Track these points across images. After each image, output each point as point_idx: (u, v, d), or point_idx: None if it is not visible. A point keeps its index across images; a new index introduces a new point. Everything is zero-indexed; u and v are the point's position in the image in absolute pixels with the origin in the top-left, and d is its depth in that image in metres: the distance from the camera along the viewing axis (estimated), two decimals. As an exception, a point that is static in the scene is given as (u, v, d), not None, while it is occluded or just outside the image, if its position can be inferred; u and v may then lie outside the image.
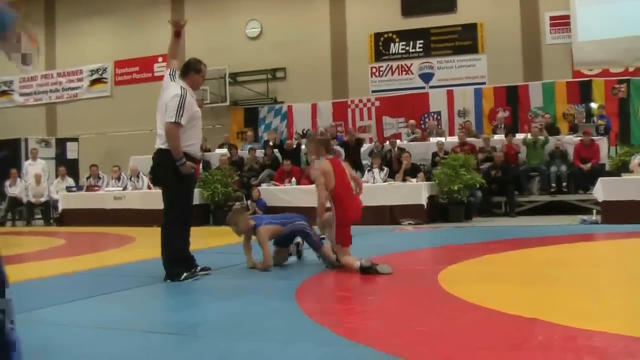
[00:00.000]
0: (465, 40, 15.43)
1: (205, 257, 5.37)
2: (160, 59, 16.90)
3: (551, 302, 3.57)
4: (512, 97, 14.04)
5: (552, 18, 15.11)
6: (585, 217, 9.35)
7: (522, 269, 4.95)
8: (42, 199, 13.37)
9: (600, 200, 9.06)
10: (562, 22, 14.95)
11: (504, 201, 11.07)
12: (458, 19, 15.59)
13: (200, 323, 3.38)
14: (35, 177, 13.44)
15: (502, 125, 13.00)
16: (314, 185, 5.41)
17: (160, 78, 5.17)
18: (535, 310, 3.23)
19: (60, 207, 12.60)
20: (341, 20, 16.41)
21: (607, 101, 13.10)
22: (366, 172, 11.30)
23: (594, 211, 9.57)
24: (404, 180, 10.74)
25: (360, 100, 15.63)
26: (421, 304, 3.70)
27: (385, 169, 11.15)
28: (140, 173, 12.76)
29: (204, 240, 7.10)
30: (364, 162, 12.04)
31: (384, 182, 10.81)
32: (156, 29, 16.50)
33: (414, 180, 10.55)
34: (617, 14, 14.20)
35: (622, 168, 10.34)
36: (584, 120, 12.37)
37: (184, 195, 4.90)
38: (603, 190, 8.98)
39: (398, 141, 12.68)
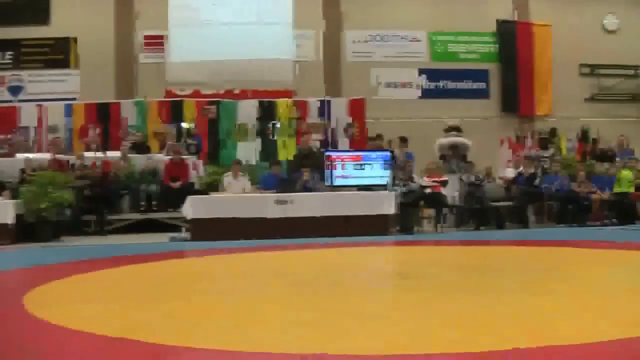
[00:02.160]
0: (57, 54, 15.23)
1: None
2: None
3: (136, 322, 3.71)
4: (103, 114, 14.20)
5: (147, 37, 16.02)
6: (175, 234, 10.13)
7: (113, 288, 5.13)
8: None
9: (189, 217, 9.82)
10: (156, 42, 15.96)
11: (94, 219, 11.16)
12: (51, 32, 15.29)
13: None
14: None
15: (94, 143, 13.09)
16: None
17: None
18: (124, 330, 3.37)
19: None
20: None
21: (198, 121, 14.23)
22: None
23: (183, 228, 10.29)
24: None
25: None
26: (1, 327, 3.59)
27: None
28: None
29: None
30: None
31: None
32: None
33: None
34: (209, 38, 15.81)
35: (211, 187, 11.44)
36: (175, 140, 13.24)
37: None
38: (192, 208, 9.78)
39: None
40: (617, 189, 11.42)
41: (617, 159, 12.54)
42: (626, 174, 11.55)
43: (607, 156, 12.67)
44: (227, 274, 6.18)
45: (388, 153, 10.96)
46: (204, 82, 15.90)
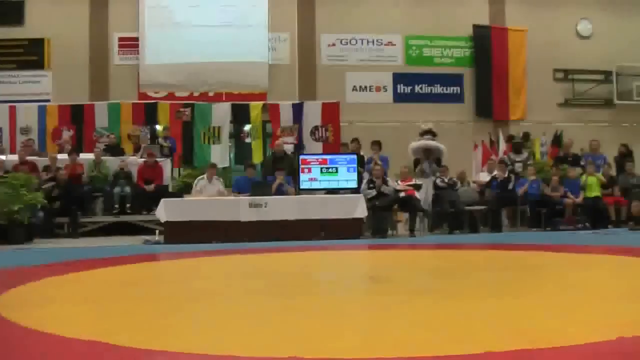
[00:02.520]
0: (31, 55, 15.22)
1: None
2: None
3: (108, 325, 3.76)
4: (77, 115, 14.13)
5: (120, 39, 15.99)
6: (148, 237, 10.17)
7: (87, 290, 5.18)
8: None
9: (162, 220, 9.90)
10: (130, 44, 15.94)
11: (67, 222, 11.13)
12: (25, 33, 15.29)
13: None
14: None
15: (67, 145, 13.05)
16: None
17: None
18: (96, 333, 3.38)
19: None
20: None
21: (172, 124, 14.19)
22: None
23: (157, 231, 10.35)
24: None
25: None
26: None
27: None
28: None
29: None
30: None
31: None
32: None
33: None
34: (183, 40, 15.81)
35: (185, 189, 11.49)
36: (149, 142, 13.26)
37: None
38: (166, 211, 9.87)
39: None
40: (588, 194, 11.68)
41: (582, 162, 12.80)
42: (592, 179, 11.80)
43: (573, 160, 12.92)
44: (199, 276, 6.23)
45: (354, 156, 11.13)
46: (179, 85, 15.93)
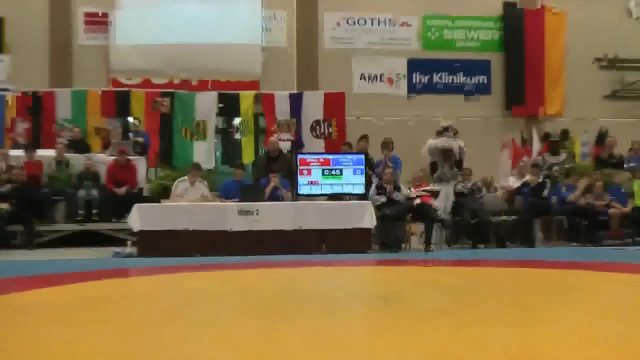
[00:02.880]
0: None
1: None
2: None
3: (57, 349, 3.77)
4: (35, 105, 14.13)
5: (87, 15, 16.01)
6: (119, 249, 10.15)
7: (35, 313, 5.07)
8: None
9: (136, 229, 9.90)
10: (99, 21, 15.96)
11: (21, 230, 11.15)
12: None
13: None
14: None
15: (21, 138, 13.09)
16: None
17: None
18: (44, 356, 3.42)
19: None
20: None
21: (148, 116, 14.27)
22: None
23: (129, 242, 10.33)
24: None
25: None
26: None
27: None
28: None
29: None
30: None
31: None
32: None
33: None
34: (162, 18, 15.93)
35: (162, 193, 11.52)
36: (120, 137, 13.22)
37: None
38: (140, 218, 9.86)
39: None
40: (638, 202, 11.68)
41: (625, 165, 12.81)
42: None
43: (617, 163, 12.93)
44: (176, 296, 6.19)
45: (362, 157, 11.20)
46: (156, 70, 15.97)
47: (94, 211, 11.70)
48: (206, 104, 14.47)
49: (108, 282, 7.05)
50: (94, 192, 11.70)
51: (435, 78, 17.17)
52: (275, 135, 13.29)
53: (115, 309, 5.24)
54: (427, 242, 10.59)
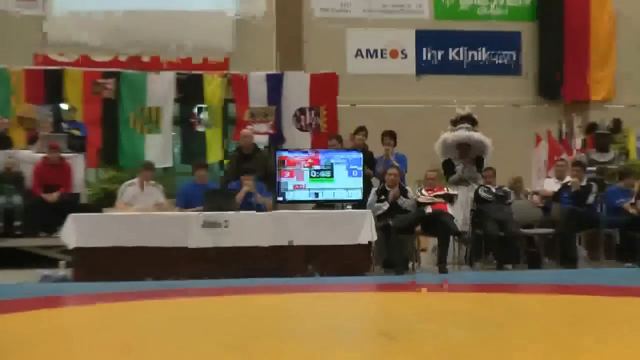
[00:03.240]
0: None
1: None
2: None
3: None
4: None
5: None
6: (49, 271, 10.08)
7: None
8: None
9: (70, 246, 9.82)
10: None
11: None
12: None
13: None
14: None
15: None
16: None
17: None
18: None
19: None
20: None
21: (86, 102, 14.11)
22: None
23: (62, 263, 10.35)
24: None
25: None
26: None
27: None
28: None
29: None
30: None
31: None
32: None
33: None
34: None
35: (105, 200, 11.55)
36: (51, 129, 13.06)
37: None
38: (76, 232, 9.78)
39: None
40: None
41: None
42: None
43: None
44: (119, 331, 6.17)
45: (359, 154, 11.21)
46: (97, 44, 15.90)
47: (17, 223, 11.63)
48: (161, 88, 14.40)
49: (33, 315, 7.00)
50: (16, 199, 11.63)
51: (451, 54, 17.21)
52: (249, 127, 13.28)
53: (43, 351, 5.16)
54: (442, 261, 10.57)
